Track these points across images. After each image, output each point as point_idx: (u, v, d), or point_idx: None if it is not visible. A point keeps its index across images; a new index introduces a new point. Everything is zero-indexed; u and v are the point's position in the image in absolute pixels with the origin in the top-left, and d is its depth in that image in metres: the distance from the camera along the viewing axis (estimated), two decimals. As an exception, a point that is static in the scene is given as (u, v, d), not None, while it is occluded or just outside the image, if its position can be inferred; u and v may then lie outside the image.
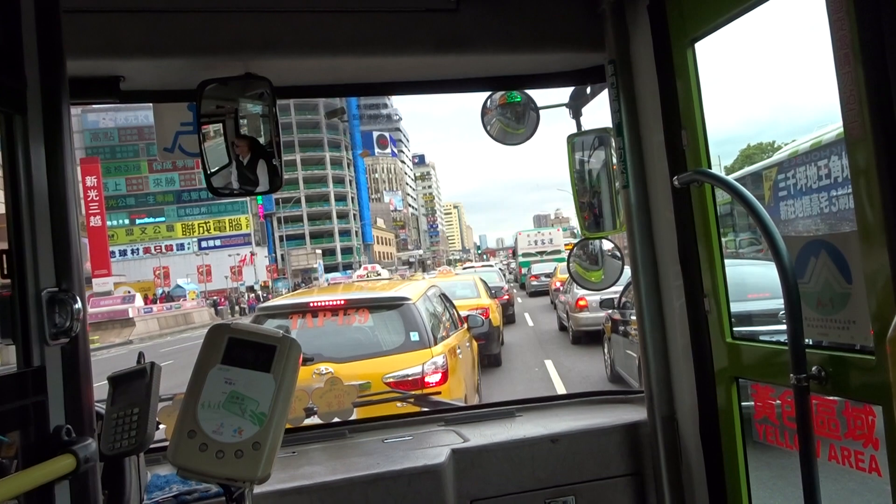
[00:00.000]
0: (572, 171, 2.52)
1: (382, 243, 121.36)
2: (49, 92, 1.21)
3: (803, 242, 1.68)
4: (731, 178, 2.02)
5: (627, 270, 2.42)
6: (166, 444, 1.47)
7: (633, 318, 5.85)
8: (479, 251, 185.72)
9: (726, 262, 2.04)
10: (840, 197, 8.04)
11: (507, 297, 22.02)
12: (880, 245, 1.37)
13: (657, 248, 2.21)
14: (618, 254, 2.63)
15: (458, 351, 7.32)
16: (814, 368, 1.61)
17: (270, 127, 2.09)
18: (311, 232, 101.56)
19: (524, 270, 44.35)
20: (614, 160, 2.34)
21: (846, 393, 1.60)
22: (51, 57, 1.22)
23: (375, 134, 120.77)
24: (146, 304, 45.53)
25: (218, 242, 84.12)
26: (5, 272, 1.15)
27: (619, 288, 9.60)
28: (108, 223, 69.01)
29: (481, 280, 16.86)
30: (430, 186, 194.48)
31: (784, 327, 1.60)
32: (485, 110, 2.59)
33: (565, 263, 2.93)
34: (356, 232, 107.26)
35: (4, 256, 1.16)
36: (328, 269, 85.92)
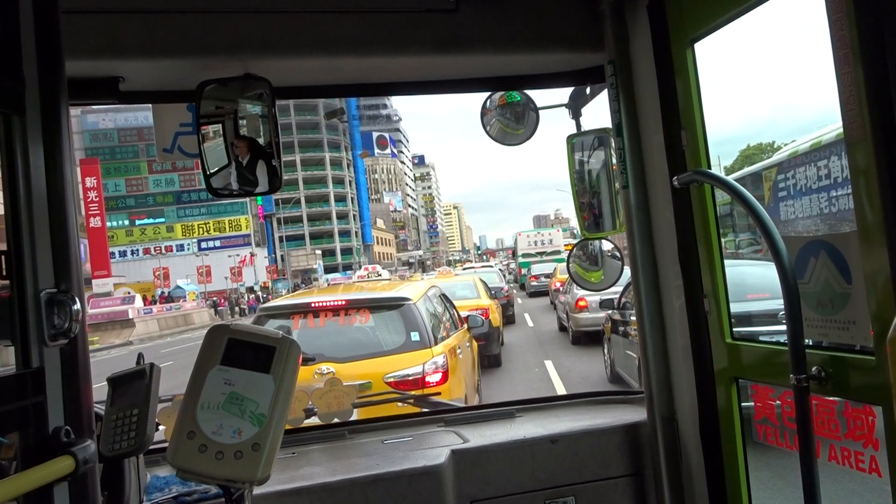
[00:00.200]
0: (572, 172, 2.52)
1: (382, 244, 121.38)
2: (48, 92, 1.21)
3: (803, 243, 1.68)
4: (730, 178, 2.02)
5: (627, 271, 2.42)
6: (166, 445, 1.47)
7: (633, 318, 5.85)
8: (479, 252, 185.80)
9: (726, 262, 2.04)
10: (840, 197, 8.04)
11: (506, 297, 22.03)
12: (880, 245, 1.37)
13: (657, 249, 2.21)
14: (617, 254, 2.63)
15: (459, 351, 7.33)
16: (814, 369, 1.61)
17: (270, 127, 2.09)
18: (311, 233, 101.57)
19: (524, 271, 44.36)
20: (614, 160, 2.34)
21: (846, 393, 1.60)
22: (50, 57, 1.22)
23: (375, 134, 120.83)
24: (146, 304, 45.48)
25: (218, 243, 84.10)
26: (4, 273, 1.15)
27: (618, 288, 9.60)
28: (108, 224, 69.00)
29: (481, 280, 16.86)
30: (429, 187, 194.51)
31: (784, 328, 1.60)
32: (484, 111, 2.59)
33: (565, 264, 2.93)
34: (356, 232, 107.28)
35: (3, 257, 1.15)
36: (328, 270, 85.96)
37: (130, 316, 39.13)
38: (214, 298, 60.11)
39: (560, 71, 2.44)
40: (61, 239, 1.21)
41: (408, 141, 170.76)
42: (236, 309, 54.73)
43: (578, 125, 2.62)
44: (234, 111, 2.09)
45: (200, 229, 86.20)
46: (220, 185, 2.10)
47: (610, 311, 10.60)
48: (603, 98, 2.36)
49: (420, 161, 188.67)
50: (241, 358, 1.41)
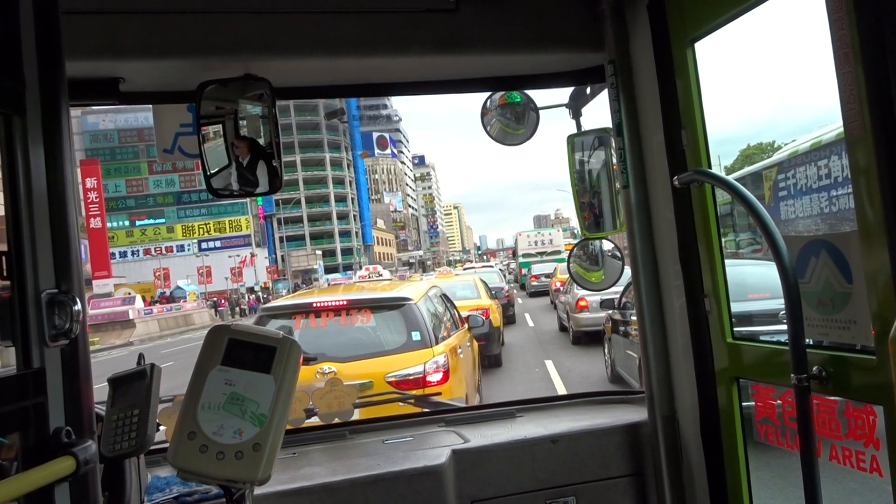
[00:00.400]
0: (572, 172, 2.52)
1: (382, 244, 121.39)
2: (48, 93, 1.21)
3: (804, 242, 1.68)
4: (731, 177, 2.02)
5: (627, 271, 2.42)
6: (166, 445, 1.47)
7: (634, 318, 5.85)
8: (480, 252, 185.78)
9: (726, 262, 2.04)
10: (840, 197, 8.04)
11: (507, 297, 22.03)
12: (881, 245, 1.37)
13: (657, 248, 2.21)
14: (618, 254, 2.63)
15: (459, 351, 7.34)
16: (814, 368, 1.61)
17: (270, 128, 2.09)
18: (312, 233, 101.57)
19: (524, 271, 44.36)
20: (614, 160, 2.34)
21: (847, 393, 1.60)
22: (50, 58, 1.22)
23: (375, 135, 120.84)
24: (146, 305, 45.46)
25: (218, 244, 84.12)
26: (5, 274, 1.15)
27: (619, 288, 9.60)
28: (109, 225, 69.04)
29: (481, 281, 16.85)
30: (429, 187, 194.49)
31: (785, 327, 1.60)
32: (484, 111, 2.59)
33: (565, 264, 2.93)
34: (356, 233, 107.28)
35: (4, 258, 1.16)
36: (328, 270, 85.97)
37: (131, 316, 39.14)
38: (215, 299, 60.13)
39: (560, 71, 2.44)
40: (62, 239, 1.21)
41: (408, 141, 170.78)
42: (237, 309, 54.74)
43: (579, 125, 2.62)
44: (234, 112, 2.09)
45: (201, 230, 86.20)
46: (220, 185, 2.11)
47: (610, 311, 10.59)
48: (603, 98, 2.36)
49: (420, 161, 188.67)
50: (241, 358, 1.41)
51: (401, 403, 3.34)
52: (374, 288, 9.00)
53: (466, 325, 8.75)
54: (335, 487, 2.07)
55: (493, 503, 2.22)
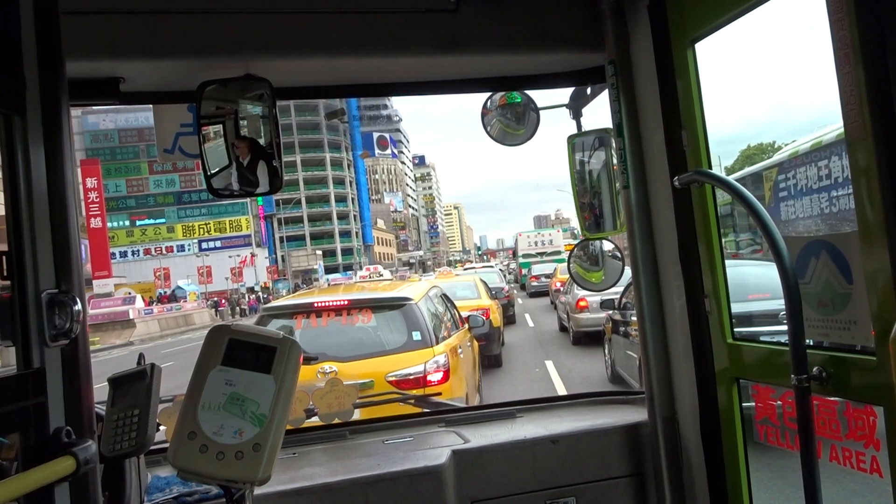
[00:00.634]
0: (573, 172, 2.52)
1: (383, 244, 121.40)
2: (48, 93, 1.21)
3: (804, 243, 1.68)
4: (731, 178, 2.02)
5: (628, 271, 2.42)
6: (166, 445, 1.47)
7: (634, 318, 5.85)
8: (480, 252, 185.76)
9: (726, 262, 2.04)
10: (840, 197, 8.03)
11: (507, 297, 22.03)
12: (881, 245, 1.37)
13: (658, 249, 2.21)
14: (618, 254, 2.63)
15: (460, 350, 7.34)
16: (815, 369, 1.61)
17: (270, 128, 2.09)
18: (312, 233, 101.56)
19: (524, 271, 44.37)
20: (614, 161, 2.34)
21: (847, 393, 1.60)
22: (50, 58, 1.22)
23: (375, 135, 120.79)
24: (146, 305, 45.46)
25: (218, 244, 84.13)
26: (5, 274, 1.15)
27: (619, 289, 9.60)
28: (109, 224, 69.04)
29: (482, 281, 16.85)
30: (430, 187, 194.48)
31: (785, 328, 1.60)
32: (485, 111, 2.59)
33: (565, 264, 2.93)
34: (356, 233, 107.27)
35: (4, 258, 1.16)
36: (328, 270, 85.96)
37: (131, 316, 39.14)
38: (215, 299, 60.13)
39: (560, 71, 2.44)
40: (62, 239, 1.21)
41: (408, 141, 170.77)
42: (237, 309, 54.75)
43: (579, 125, 2.62)
44: (234, 112, 2.09)
45: (201, 230, 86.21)
46: (220, 185, 2.11)
47: (610, 312, 10.59)
48: (603, 98, 2.36)
49: (420, 161, 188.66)
50: (241, 358, 1.41)
51: (401, 403, 3.34)
52: (374, 288, 9.01)
53: (467, 326, 8.76)
54: (335, 487, 2.07)
55: (493, 503, 2.22)
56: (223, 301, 58.35)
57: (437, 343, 6.51)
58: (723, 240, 2.06)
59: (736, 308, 2.05)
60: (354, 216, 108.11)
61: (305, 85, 2.39)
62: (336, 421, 2.75)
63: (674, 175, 1.95)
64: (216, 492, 1.89)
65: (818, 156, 8.57)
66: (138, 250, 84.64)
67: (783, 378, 1.64)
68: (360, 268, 71.45)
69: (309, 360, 5.45)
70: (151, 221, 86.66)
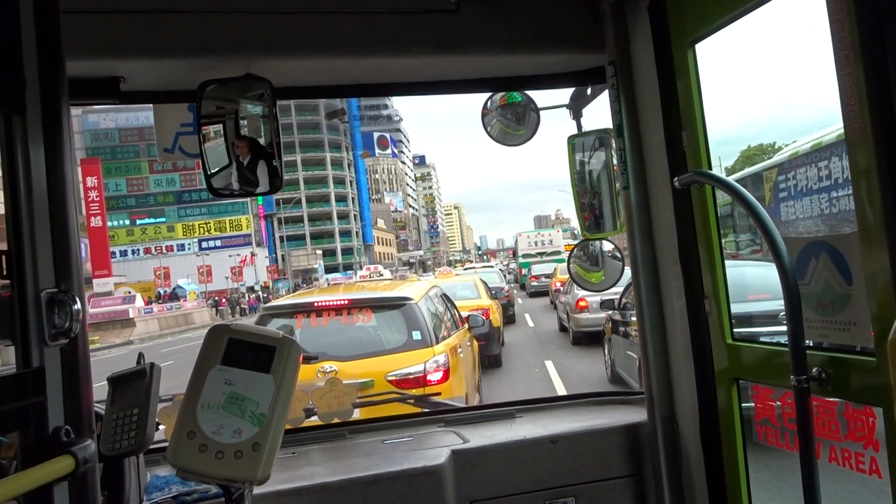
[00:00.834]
0: (573, 172, 2.52)
1: (383, 244, 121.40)
2: (49, 92, 1.21)
3: (804, 244, 1.68)
4: (731, 179, 2.02)
5: (627, 271, 2.42)
6: (166, 444, 1.47)
7: (634, 319, 5.86)
8: (480, 252, 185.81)
9: (726, 263, 2.04)
10: (840, 198, 8.04)
11: (507, 297, 22.04)
12: (881, 246, 1.37)
13: (657, 249, 2.21)
14: (618, 255, 2.63)
15: (459, 350, 7.35)
16: (814, 370, 1.61)
17: (271, 128, 2.09)
18: (312, 232, 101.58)
19: (524, 271, 44.40)
20: (615, 161, 2.34)
21: (846, 394, 1.60)
22: (50, 57, 1.22)
23: (376, 135, 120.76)
24: (145, 304, 45.44)
25: (218, 243, 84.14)
26: (5, 273, 1.15)
27: (619, 289, 9.60)
28: (109, 224, 69.01)
29: (482, 281, 16.85)
30: (430, 187, 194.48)
31: (784, 328, 1.60)
32: (485, 111, 2.59)
33: (565, 264, 2.93)
34: (357, 232, 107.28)
35: (4, 257, 1.16)
36: (328, 270, 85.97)
37: (131, 315, 39.14)
38: (215, 298, 60.14)
39: (561, 72, 2.44)
40: (62, 239, 1.21)
41: (408, 141, 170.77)
42: (237, 308, 54.75)
43: (579, 126, 2.62)
44: (234, 111, 2.09)
45: (201, 229, 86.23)
46: (220, 185, 2.11)
47: (610, 312, 10.59)
48: (604, 99, 2.36)
49: (421, 161, 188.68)
50: (241, 358, 1.41)
51: (400, 403, 3.34)
52: (374, 287, 9.01)
53: (466, 325, 8.76)
54: (334, 487, 2.07)
55: (492, 503, 2.22)
56: (223, 300, 58.35)
57: (437, 343, 6.51)
58: (722, 240, 2.06)
59: (735, 309, 2.05)
60: (355, 216, 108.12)
61: (306, 85, 2.39)
62: (335, 420, 2.75)
63: (674, 175, 1.95)
64: (215, 491, 1.89)
65: (818, 156, 8.57)
66: (138, 249, 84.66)
67: (783, 379, 1.64)
68: (361, 267, 71.49)
69: (309, 359, 5.45)
70: (151, 220, 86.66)
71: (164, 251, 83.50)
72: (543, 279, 32.69)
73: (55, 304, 1.17)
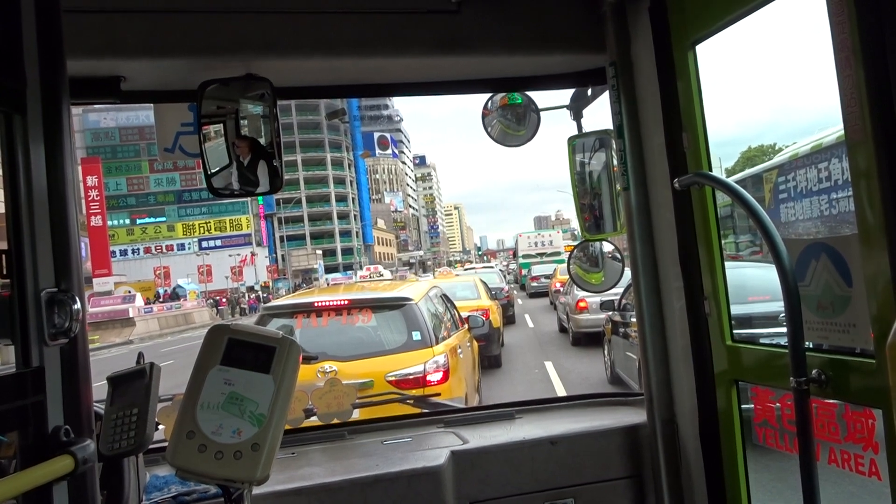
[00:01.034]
0: (573, 173, 2.52)
1: (383, 244, 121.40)
2: (49, 92, 1.21)
3: (804, 245, 1.68)
4: (731, 180, 2.02)
5: (627, 272, 2.42)
6: (165, 444, 1.47)
7: (634, 320, 5.86)
8: (480, 252, 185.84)
9: (727, 264, 2.04)
10: (840, 200, 8.04)
11: (507, 297, 22.05)
12: (881, 248, 1.37)
13: (657, 251, 2.21)
14: (618, 256, 2.63)
15: (459, 351, 7.35)
16: (814, 372, 1.61)
17: (271, 128, 2.09)
18: (312, 232, 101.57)
19: (524, 272, 44.42)
20: (615, 162, 2.34)
21: (846, 396, 1.60)
22: (51, 57, 1.22)
23: (376, 135, 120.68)
24: (145, 304, 45.44)
25: (218, 242, 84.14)
26: (4, 272, 1.15)
27: (619, 290, 9.61)
28: (109, 223, 68.98)
29: (481, 281, 16.86)
30: (430, 187, 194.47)
31: (784, 330, 1.60)
32: (486, 112, 2.58)
33: (565, 265, 2.93)
34: (357, 233, 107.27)
35: (4, 256, 1.16)
36: (329, 270, 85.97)
37: (131, 315, 39.14)
38: (215, 297, 60.13)
39: (561, 72, 2.44)
40: (62, 238, 1.21)
41: (409, 141, 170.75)
42: (237, 308, 54.75)
43: (580, 127, 2.61)
44: (235, 111, 2.09)
45: (201, 228, 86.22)
46: (221, 184, 2.10)
47: (610, 313, 10.59)
48: (604, 100, 2.36)
49: (421, 161, 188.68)
50: (241, 358, 1.41)
51: (400, 404, 3.34)
52: (374, 288, 9.03)
53: (466, 326, 8.76)
54: (334, 488, 2.07)
55: None
56: (223, 300, 58.34)
57: (437, 343, 6.52)
58: (722, 241, 2.06)
59: (736, 310, 2.05)
60: (355, 216, 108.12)
61: (306, 85, 2.39)
62: (335, 421, 2.75)
63: (674, 177, 1.95)
64: (214, 491, 1.89)
65: (818, 158, 8.57)
66: (138, 249, 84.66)
67: (782, 380, 1.64)
68: (361, 267, 71.52)
69: (309, 359, 5.46)
70: (152, 220, 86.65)
71: (164, 251, 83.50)
72: (543, 280, 32.71)
73: (55, 304, 1.17)
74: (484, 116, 2.59)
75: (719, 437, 2.05)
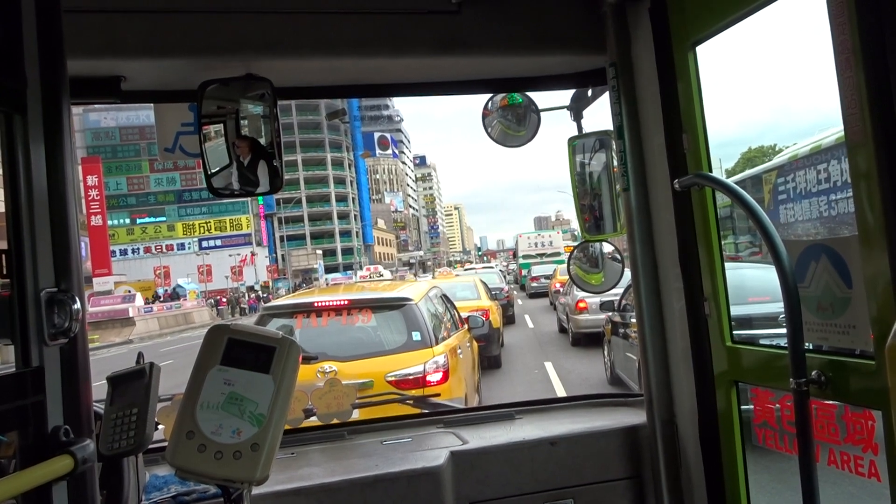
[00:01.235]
0: (573, 174, 2.52)
1: (383, 244, 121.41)
2: (49, 92, 1.21)
3: (804, 246, 1.68)
4: (731, 181, 2.02)
5: (627, 273, 2.42)
6: (165, 444, 1.47)
7: (633, 320, 5.86)
8: (480, 253, 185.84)
9: (726, 265, 2.04)
10: (839, 201, 8.05)
11: (507, 298, 22.06)
12: (881, 249, 1.37)
13: (657, 251, 2.21)
14: (618, 256, 2.63)
15: (459, 351, 7.35)
16: (814, 373, 1.61)
17: (271, 128, 2.09)
18: (312, 232, 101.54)
19: (524, 272, 44.44)
20: (615, 163, 2.34)
21: (846, 397, 1.60)
22: (51, 56, 1.22)
23: (377, 135, 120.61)
24: (145, 304, 45.43)
25: (218, 242, 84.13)
26: (4, 272, 1.15)
27: (619, 290, 9.60)
28: (109, 222, 68.95)
29: (482, 282, 16.86)
30: (430, 187, 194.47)
31: (784, 331, 1.60)
32: (486, 112, 2.58)
33: (565, 265, 2.93)
34: (357, 233, 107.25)
35: (4, 256, 1.16)
36: (329, 270, 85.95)
37: (131, 314, 39.13)
38: (216, 297, 60.12)
39: (561, 73, 2.44)
40: (62, 238, 1.21)
41: (409, 141, 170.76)
42: (237, 308, 54.74)
43: (580, 127, 2.61)
44: (235, 111, 2.09)
45: (201, 228, 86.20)
46: (221, 184, 2.11)
47: (610, 314, 10.59)
48: (604, 100, 2.36)
49: (421, 162, 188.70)
50: (240, 358, 1.41)
51: (400, 404, 3.34)
52: (374, 288, 9.03)
53: (466, 326, 8.76)
54: (333, 488, 2.07)
55: None
56: (223, 300, 58.34)
57: (437, 343, 6.52)
58: (722, 242, 2.06)
59: (735, 311, 2.05)
60: (355, 216, 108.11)
61: (307, 85, 2.39)
62: (335, 421, 2.75)
63: (674, 178, 1.95)
64: (214, 491, 1.89)
65: (817, 159, 8.58)
66: (138, 248, 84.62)
67: (782, 381, 1.64)
68: (361, 267, 71.54)
69: (308, 359, 5.47)
70: (152, 220, 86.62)
71: (165, 250, 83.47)
72: (543, 280, 32.71)
73: (55, 304, 1.17)
74: (484, 117, 2.59)
75: (719, 438, 2.05)
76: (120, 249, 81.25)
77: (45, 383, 1.16)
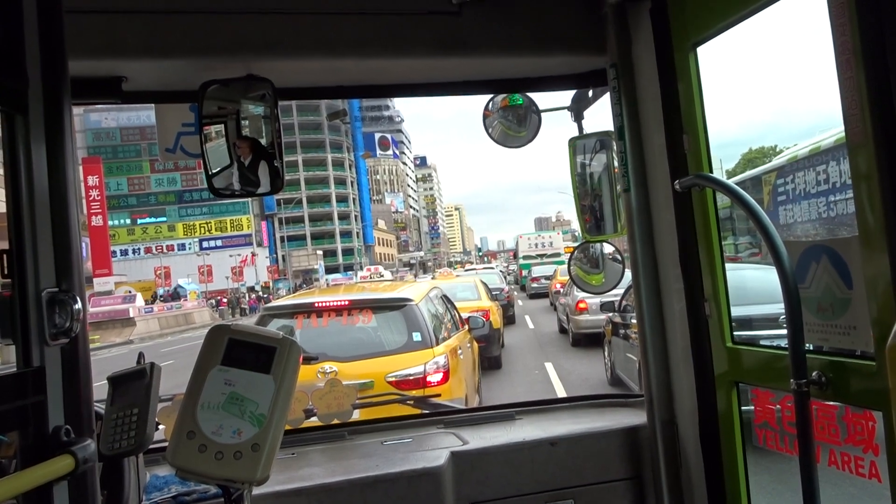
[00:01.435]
0: (574, 175, 2.52)
1: (383, 245, 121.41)
2: (51, 92, 1.21)
3: (804, 247, 1.68)
4: (731, 182, 2.02)
5: (628, 274, 2.42)
6: (165, 444, 1.47)
7: (634, 321, 5.85)
8: (480, 253, 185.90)
9: (727, 265, 2.04)
10: (838, 202, 8.05)
11: (507, 298, 22.07)
12: (881, 250, 1.37)
13: (658, 252, 2.21)
14: (618, 257, 2.63)
15: (459, 351, 7.35)
16: (814, 374, 1.61)
17: (272, 128, 2.09)
18: (313, 233, 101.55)
19: (525, 273, 44.47)
20: (615, 164, 2.34)
21: (846, 398, 1.60)
22: (53, 57, 1.22)
23: (377, 135, 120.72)
24: (145, 304, 45.42)
25: (219, 243, 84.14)
26: (6, 272, 1.16)
27: (619, 291, 9.60)
28: (110, 223, 68.94)
29: (482, 282, 16.85)
30: (431, 188, 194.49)
31: (785, 332, 1.60)
32: (486, 113, 2.59)
33: (565, 266, 2.93)
34: (357, 233, 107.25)
35: (5, 256, 1.16)
36: (329, 271, 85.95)
37: (131, 314, 39.13)
38: (217, 298, 60.12)
39: (562, 74, 2.44)
40: (63, 238, 1.21)
41: (410, 142, 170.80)
42: (237, 308, 54.74)
43: (580, 128, 2.61)
44: (236, 111, 2.09)
45: (202, 229, 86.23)
46: (222, 185, 2.11)
47: (610, 314, 10.59)
48: (605, 101, 2.36)
49: (422, 162, 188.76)
50: (241, 358, 1.42)
51: (400, 404, 3.34)
52: (375, 288, 9.04)
53: (467, 327, 8.77)
54: (334, 488, 2.07)
55: None
56: (223, 300, 58.34)
57: (438, 344, 6.52)
58: (723, 243, 2.06)
59: (736, 311, 2.05)
60: (355, 216, 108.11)
61: (308, 86, 2.39)
62: (335, 421, 2.75)
63: (674, 178, 1.95)
64: (214, 491, 1.89)
65: (816, 160, 8.59)
66: (139, 249, 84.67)
67: (782, 382, 1.64)
68: (361, 268, 71.59)
69: (309, 360, 5.46)
70: (152, 220, 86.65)
71: (165, 251, 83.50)
72: (543, 281, 32.72)
73: (56, 304, 1.17)
74: (485, 118, 2.59)
75: (719, 439, 2.05)
76: (120, 250, 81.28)
77: (46, 383, 1.16)
